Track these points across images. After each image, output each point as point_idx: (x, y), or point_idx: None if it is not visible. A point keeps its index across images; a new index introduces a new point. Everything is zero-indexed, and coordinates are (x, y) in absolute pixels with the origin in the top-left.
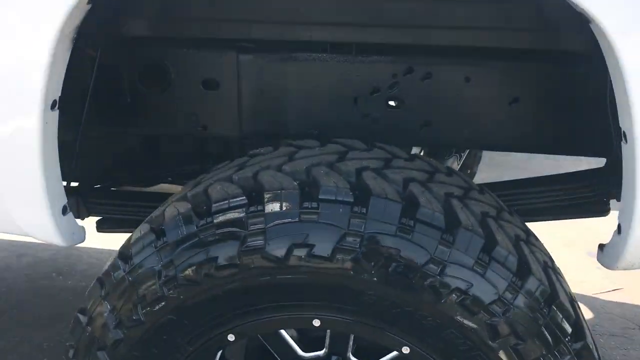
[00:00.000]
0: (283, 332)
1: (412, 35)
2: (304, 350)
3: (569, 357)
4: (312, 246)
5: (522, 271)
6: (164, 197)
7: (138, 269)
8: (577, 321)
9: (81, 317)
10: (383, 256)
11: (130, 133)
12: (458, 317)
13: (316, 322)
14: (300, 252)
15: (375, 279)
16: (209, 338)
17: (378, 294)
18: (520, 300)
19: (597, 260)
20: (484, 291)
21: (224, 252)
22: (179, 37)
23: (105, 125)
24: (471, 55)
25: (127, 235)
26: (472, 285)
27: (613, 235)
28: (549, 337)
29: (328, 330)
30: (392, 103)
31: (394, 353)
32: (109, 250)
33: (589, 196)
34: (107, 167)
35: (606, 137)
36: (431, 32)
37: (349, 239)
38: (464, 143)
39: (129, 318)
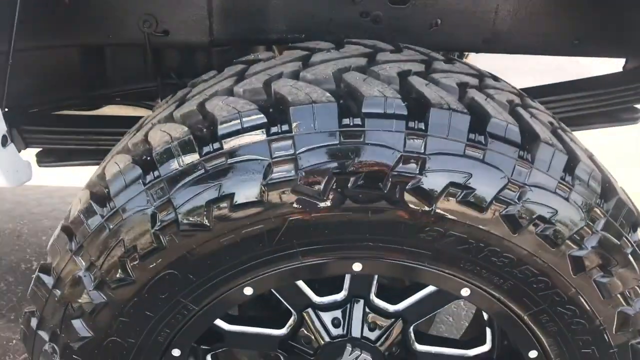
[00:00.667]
0: None
1: None
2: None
3: None
4: (361, 173)
5: (606, 192)
6: (114, 121)
7: (122, 213)
8: None
9: (44, 277)
10: (450, 183)
11: (69, 44)
12: (537, 250)
13: (357, 266)
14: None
15: (437, 210)
16: (222, 294)
17: (439, 228)
18: (607, 226)
19: None
20: (569, 218)
21: (242, 187)
22: None
23: (40, 35)
24: None
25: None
26: (556, 212)
27: None
28: (636, 266)
29: (347, 276)
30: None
31: (427, 290)
32: (36, 185)
33: (618, 102)
34: (43, 87)
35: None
36: None
37: (410, 164)
38: (480, 46)
39: (114, 276)
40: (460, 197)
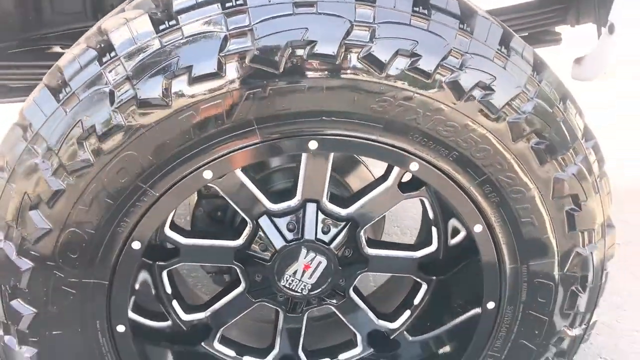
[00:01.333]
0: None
1: None
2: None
3: (582, 156)
4: (314, 43)
5: (538, 65)
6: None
7: (78, 95)
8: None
9: None
10: (398, 50)
11: None
12: (479, 117)
13: (313, 144)
14: (301, 52)
15: (386, 81)
16: (182, 178)
17: (389, 98)
18: (541, 94)
19: (574, 77)
20: (507, 84)
21: (200, 60)
22: None
23: None
24: None
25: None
26: (495, 78)
27: (601, 39)
28: (566, 133)
29: (300, 181)
30: None
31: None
32: None
33: (536, 25)
34: None
35: None
36: None
37: (356, 31)
38: None
39: (72, 160)
40: (408, 64)
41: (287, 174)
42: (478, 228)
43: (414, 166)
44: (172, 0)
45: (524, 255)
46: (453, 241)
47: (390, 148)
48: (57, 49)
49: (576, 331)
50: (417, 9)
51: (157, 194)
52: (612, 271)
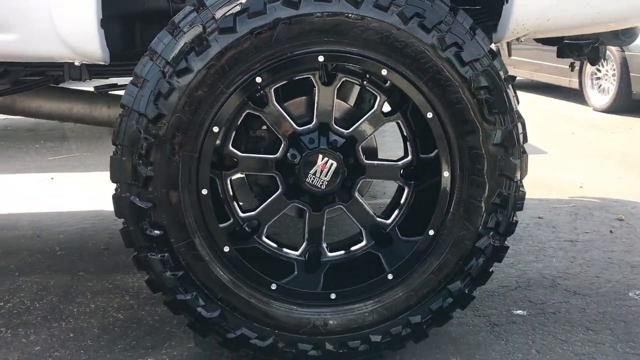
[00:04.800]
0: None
1: None
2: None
3: (487, 64)
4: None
5: (454, 8)
6: None
7: (185, 29)
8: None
9: (133, 85)
10: None
11: (117, 12)
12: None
13: (320, 58)
14: None
15: (362, 13)
16: (244, 80)
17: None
18: (456, 24)
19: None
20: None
21: (255, 4)
22: None
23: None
24: None
25: None
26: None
27: (503, 8)
28: (475, 48)
29: (316, 101)
30: None
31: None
32: (46, 212)
33: None
34: None
35: None
36: None
37: None
38: None
39: (179, 68)
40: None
41: (307, 109)
42: (429, 115)
43: (384, 72)
44: None
45: (461, 132)
46: (422, 155)
47: (368, 59)
48: None
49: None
50: None
51: (229, 91)
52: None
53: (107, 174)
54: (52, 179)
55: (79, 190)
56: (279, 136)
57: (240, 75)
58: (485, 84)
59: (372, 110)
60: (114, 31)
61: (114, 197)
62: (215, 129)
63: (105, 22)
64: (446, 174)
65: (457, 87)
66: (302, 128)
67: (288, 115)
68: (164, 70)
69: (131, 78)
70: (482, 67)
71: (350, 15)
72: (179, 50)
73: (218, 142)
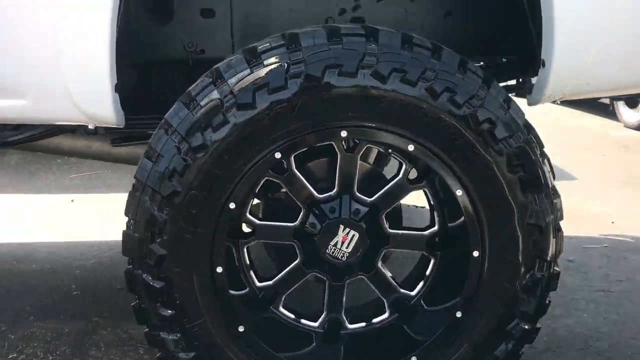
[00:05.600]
0: (299, 174)
1: None
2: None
3: (522, 140)
4: (341, 65)
5: (487, 79)
6: None
7: (201, 103)
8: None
9: (147, 159)
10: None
11: (136, 61)
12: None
13: (343, 133)
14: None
15: (389, 88)
16: (263, 156)
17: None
18: (489, 98)
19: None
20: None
21: (274, 78)
22: None
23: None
24: None
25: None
26: (456, 85)
27: (540, 72)
28: (511, 123)
29: (338, 169)
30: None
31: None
32: (64, 242)
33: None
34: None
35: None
36: None
37: (368, 58)
38: None
39: (196, 144)
40: (399, 78)
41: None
42: (459, 192)
43: (410, 147)
44: (256, 48)
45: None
46: (450, 224)
47: (394, 134)
48: None
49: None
50: (404, 45)
51: (247, 168)
52: None
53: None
54: (72, 201)
55: (98, 216)
56: (298, 203)
57: (259, 151)
58: (520, 161)
59: (397, 179)
60: (130, 79)
61: (127, 272)
62: (232, 206)
63: (121, 76)
64: (476, 253)
65: (490, 164)
66: (322, 196)
67: (308, 180)
68: (180, 145)
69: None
70: (517, 143)
71: (375, 89)
72: (195, 126)
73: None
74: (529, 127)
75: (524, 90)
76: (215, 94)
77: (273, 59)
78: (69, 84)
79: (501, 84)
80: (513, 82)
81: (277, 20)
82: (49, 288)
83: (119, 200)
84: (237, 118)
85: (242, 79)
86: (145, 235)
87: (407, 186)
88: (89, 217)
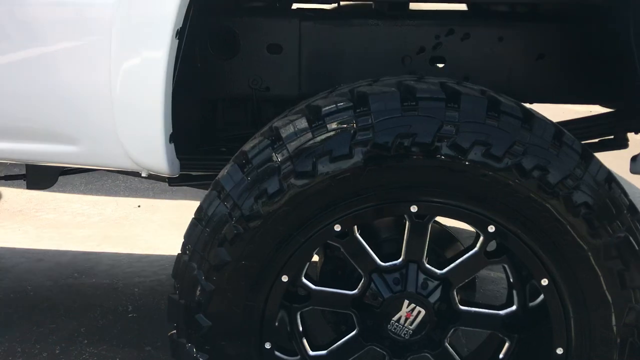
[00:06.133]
0: (361, 240)
1: None
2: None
3: (625, 227)
4: (414, 135)
5: (586, 155)
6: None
7: (258, 168)
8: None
9: (198, 222)
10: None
11: (200, 98)
12: (538, 192)
13: (414, 208)
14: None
15: (468, 162)
16: (320, 228)
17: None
18: (587, 177)
19: (631, 171)
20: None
21: (337, 145)
22: (246, 5)
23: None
24: (504, 17)
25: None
26: (549, 162)
27: None
28: (612, 207)
29: (405, 237)
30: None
31: (471, 252)
32: (127, 253)
33: (611, 132)
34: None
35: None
36: None
37: (446, 127)
38: None
39: (249, 213)
40: (482, 151)
41: (395, 238)
42: (544, 282)
43: (491, 228)
44: (320, 108)
45: (584, 307)
46: (531, 303)
47: (472, 212)
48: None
49: None
50: (490, 112)
51: (302, 240)
52: None
53: (194, 206)
54: (139, 206)
55: (162, 226)
56: (359, 270)
57: (318, 222)
58: (621, 252)
59: (473, 251)
60: (194, 114)
61: (170, 339)
62: (284, 279)
63: (184, 111)
64: (559, 351)
65: (584, 254)
66: (386, 264)
67: (371, 243)
68: (232, 212)
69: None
70: (618, 231)
71: (453, 162)
72: (249, 192)
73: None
74: (633, 211)
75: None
76: (272, 158)
77: (338, 124)
78: (121, 134)
79: (592, 140)
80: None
81: (349, 58)
82: (106, 308)
83: (185, 208)
84: (294, 187)
85: (303, 143)
86: (191, 303)
87: (483, 260)
88: (153, 225)
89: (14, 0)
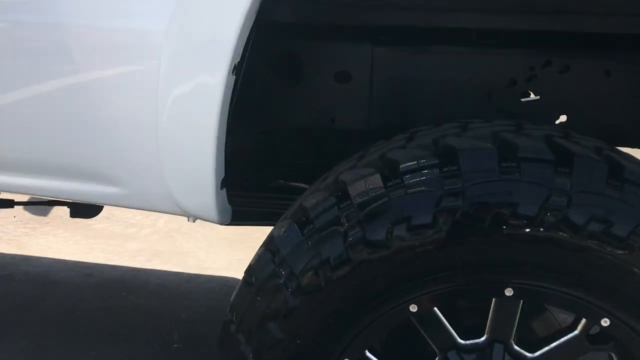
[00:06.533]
0: (440, 314)
1: (564, 21)
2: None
3: None
4: (515, 205)
5: None
6: (289, 191)
7: (320, 231)
8: None
9: (247, 287)
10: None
11: (260, 128)
12: None
13: (508, 292)
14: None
15: (582, 242)
16: (391, 307)
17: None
18: None
19: None
20: None
21: (418, 210)
22: (316, 25)
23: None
24: (614, 46)
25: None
26: None
27: None
28: None
29: (489, 323)
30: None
31: (570, 335)
32: (176, 272)
33: None
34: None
35: None
36: (584, 19)
37: (555, 198)
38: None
39: (308, 284)
40: (602, 229)
41: (478, 313)
42: None
43: (605, 322)
44: (399, 163)
45: None
46: None
47: (583, 302)
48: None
49: None
50: (610, 181)
51: (370, 320)
52: None
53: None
54: (194, 221)
55: (215, 243)
56: (433, 347)
57: (388, 301)
58: None
59: (573, 334)
60: (254, 144)
61: None
62: None
63: (243, 140)
64: None
65: None
66: (466, 342)
67: (449, 317)
68: (287, 281)
69: None
70: None
71: (562, 241)
72: (309, 259)
73: None
74: None
75: None
76: (338, 220)
77: (420, 185)
78: (168, 179)
79: None
80: None
81: (427, 89)
82: (151, 335)
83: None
84: (362, 257)
85: (376, 206)
86: None
87: (585, 345)
88: (205, 241)
89: (48, 23)
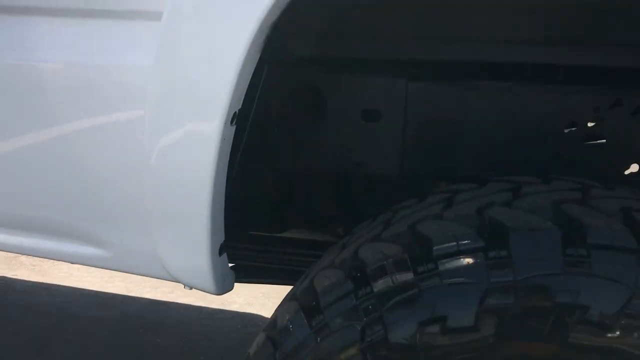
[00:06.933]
0: None
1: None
2: None
3: None
4: (587, 308)
5: None
6: (301, 244)
7: (331, 325)
8: None
9: None
10: None
11: (274, 169)
12: None
13: None
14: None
15: None
16: None
17: None
18: None
19: None
20: None
21: (456, 310)
22: (342, 58)
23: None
24: None
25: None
26: None
27: None
28: None
29: None
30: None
31: None
32: (198, 307)
33: None
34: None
35: None
36: None
37: (637, 301)
38: None
39: None
40: None
41: None
42: None
43: None
44: (432, 242)
45: None
46: None
47: None
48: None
49: None
50: None
51: None
52: None
53: None
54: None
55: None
56: None
57: None
58: None
59: None
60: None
61: None
62: None
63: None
64: None
65: None
66: None
67: None
68: None
69: None
70: None
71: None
72: (316, 356)
73: None
74: None
75: None
76: (353, 313)
77: (458, 273)
78: (158, 246)
79: None
80: None
81: (470, 132)
82: None
83: None
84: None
85: (402, 298)
86: None
87: None
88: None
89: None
